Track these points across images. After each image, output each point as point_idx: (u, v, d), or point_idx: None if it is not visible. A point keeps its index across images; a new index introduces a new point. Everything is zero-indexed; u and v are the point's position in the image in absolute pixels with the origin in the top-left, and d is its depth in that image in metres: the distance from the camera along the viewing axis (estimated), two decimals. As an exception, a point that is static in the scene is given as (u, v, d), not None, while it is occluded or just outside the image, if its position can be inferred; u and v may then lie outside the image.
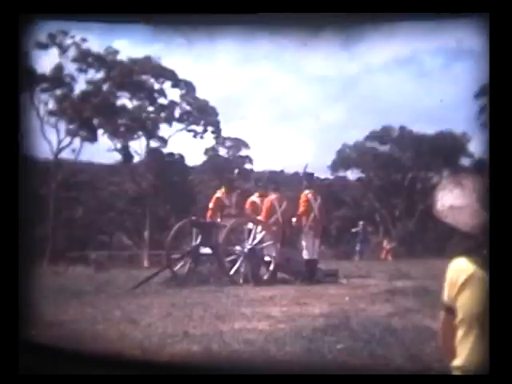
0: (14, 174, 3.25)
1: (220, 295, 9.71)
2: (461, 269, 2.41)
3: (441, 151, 34.26)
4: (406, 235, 27.79)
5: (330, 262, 17.38)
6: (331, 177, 37.59)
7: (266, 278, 11.61)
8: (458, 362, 2.40)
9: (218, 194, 12.85)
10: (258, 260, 11.88)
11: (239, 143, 40.61)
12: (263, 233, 11.84)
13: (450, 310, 2.45)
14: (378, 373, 5.46)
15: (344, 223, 30.40)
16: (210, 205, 12.68)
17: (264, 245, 11.84)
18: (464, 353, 2.36)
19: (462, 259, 2.42)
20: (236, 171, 13.76)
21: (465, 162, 34.95)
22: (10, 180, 3.24)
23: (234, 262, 11.56)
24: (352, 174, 37.15)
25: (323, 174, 38.36)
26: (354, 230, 22.61)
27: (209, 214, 12.73)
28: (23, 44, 3.07)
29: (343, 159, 36.19)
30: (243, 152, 40.85)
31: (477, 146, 34.53)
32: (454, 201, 2.33)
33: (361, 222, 22.86)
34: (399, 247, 23.94)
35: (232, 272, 11.34)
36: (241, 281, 11.26)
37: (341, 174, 37.05)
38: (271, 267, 11.73)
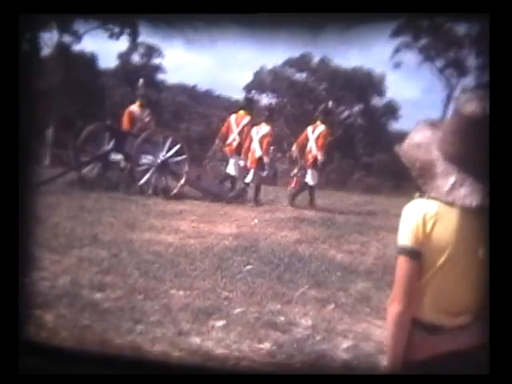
0: None
1: (129, 204, 9.61)
2: (424, 207, 2.23)
3: (355, 86, 34.66)
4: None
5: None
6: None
7: (175, 191, 11.52)
8: (426, 313, 2.25)
9: (132, 107, 12.51)
10: (169, 173, 11.75)
11: (153, 51, 39.28)
12: (178, 146, 11.68)
13: (417, 255, 2.21)
14: (287, 297, 5.59)
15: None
16: (124, 118, 12.35)
17: (177, 159, 11.71)
18: (430, 299, 2.23)
19: (415, 201, 2.28)
20: (141, 81, 13.09)
21: (376, 100, 35.69)
22: None
23: (145, 172, 11.38)
24: (266, 99, 36.96)
25: (237, 94, 38.12)
26: (263, 155, 22.63)
27: (123, 125, 12.39)
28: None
29: (259, 82, 35.91)
30: (157, 60, 39.57)
31: (389, 86, 35.29)
32: (421, 140, 2.27)
33: (271, 147, 22.91)
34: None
35: (142, 182, 11.17)
36: (150, 191, 11.13)
37: (255, 97, 36.76)
38: (181, 181, 11.64)
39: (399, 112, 34.60)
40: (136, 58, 39.37)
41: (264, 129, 12.35)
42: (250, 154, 12.25)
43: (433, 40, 33.07)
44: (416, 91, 49.77)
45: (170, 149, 11.61)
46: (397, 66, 33.63)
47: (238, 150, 12.33)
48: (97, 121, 12.86)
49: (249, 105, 13.53)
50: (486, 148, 2.08)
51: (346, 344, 4.70)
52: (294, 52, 35.57)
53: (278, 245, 7.62)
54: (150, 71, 38.77)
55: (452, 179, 2.15)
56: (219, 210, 10.15)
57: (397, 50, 33.52)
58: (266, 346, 4.49)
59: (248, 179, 12.21)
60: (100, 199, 9.63)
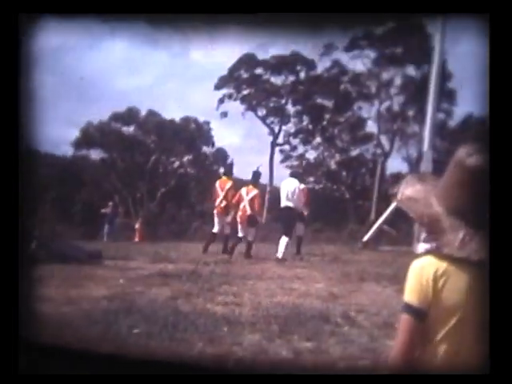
0: None
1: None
2: (432, 265, 2.15)
3: (183, 137, 35.16)
4: (150, 217, 28.00)
5: (79, 242, 16.62)
6: (71, 155, 36.19)
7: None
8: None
9: None
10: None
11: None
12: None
13: (422, 316, 2.13)
14: (182, 358, 5.46)
15: (86, 204, 29.64)
16: None
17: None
18: (441, 355, 2.16)
19: (426, 257, 2.18)
20: None
21: (206, 149, 36.45)
22: None
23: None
24: (95, 154, 36.19)
25: (64, 151, 36.99)
26: (103, 211, 22.16)
27: None
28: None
29: (86, 138, 35.17)
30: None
31: (215, 134, 36.35)
32: (414, 194, 2.24)
33: (110, 203, 22.53)
34: (146, 229, 23.99)
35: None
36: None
37: (83, 152, 35.89)
38: (33, 246, 11.09)
39: (228, 158, 35.60)
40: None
41: (253, 191, 13.90)
42: (239, 213, 13.80)
43: (253, 91, 34.46)
44: (240, 138, 51.45)
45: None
46: (223, 115, 34.69)
47: (225, 211, 14.32)
48: None
49: (229, 171, 15.94)
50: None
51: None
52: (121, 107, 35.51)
53: (156, 303, 7.43)
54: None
55: (461, 234, 2.08)
56: (80, 273, 9.72)
57: (221, 101, 34.63)
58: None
59: (240, 234, 13.93)
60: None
